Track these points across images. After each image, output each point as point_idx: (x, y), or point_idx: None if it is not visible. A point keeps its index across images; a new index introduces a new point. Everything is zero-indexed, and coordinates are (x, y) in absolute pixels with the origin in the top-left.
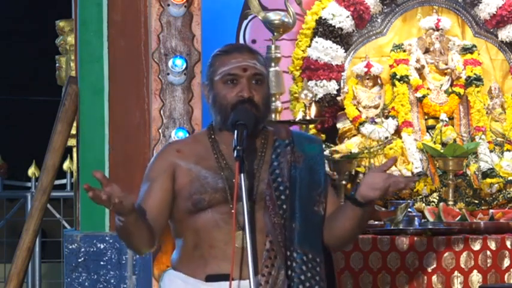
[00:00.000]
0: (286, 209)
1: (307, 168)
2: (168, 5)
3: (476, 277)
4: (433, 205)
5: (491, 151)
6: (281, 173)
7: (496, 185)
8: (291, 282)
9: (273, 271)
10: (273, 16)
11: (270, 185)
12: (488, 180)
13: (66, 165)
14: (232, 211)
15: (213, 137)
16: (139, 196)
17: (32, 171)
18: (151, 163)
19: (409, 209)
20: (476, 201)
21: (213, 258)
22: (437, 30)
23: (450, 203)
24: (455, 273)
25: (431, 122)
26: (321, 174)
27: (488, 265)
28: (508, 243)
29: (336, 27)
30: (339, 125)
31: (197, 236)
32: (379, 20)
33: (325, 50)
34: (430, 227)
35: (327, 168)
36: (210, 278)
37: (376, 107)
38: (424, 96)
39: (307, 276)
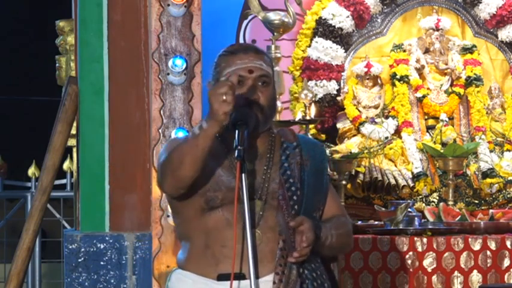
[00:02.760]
0: (297, 209)
1: (313, 172)
2: (168, 5)
3: (476, 277)
4: (433, 205)
5: (491, 151)
6: (292, 174)
7: (496, 185)
8: (306, 280)
9: (286, 270)
10: (273, 16)
11: (283, 184)
12: (488, 180)
13: (66, 165)
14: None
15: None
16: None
17: (32, 171)
18: (172, 141)
19: (409, 209)
20: (476, 201)
21: (225, 257)
22: (437, 30)
23: (450, 203)
24: (455, 273)
25: (431, 122)
26: (324, 181)
27: (488, 265)
28: (508, 243)
29: (336, 27)
30: (339, 125)
31: (208, 236)
32: (379, 20)
33: (325, 50)
34: (430, 227)
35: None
36: (221, 277)
37: (376, 107)
38: (424, 96)
39: (317, 274)
